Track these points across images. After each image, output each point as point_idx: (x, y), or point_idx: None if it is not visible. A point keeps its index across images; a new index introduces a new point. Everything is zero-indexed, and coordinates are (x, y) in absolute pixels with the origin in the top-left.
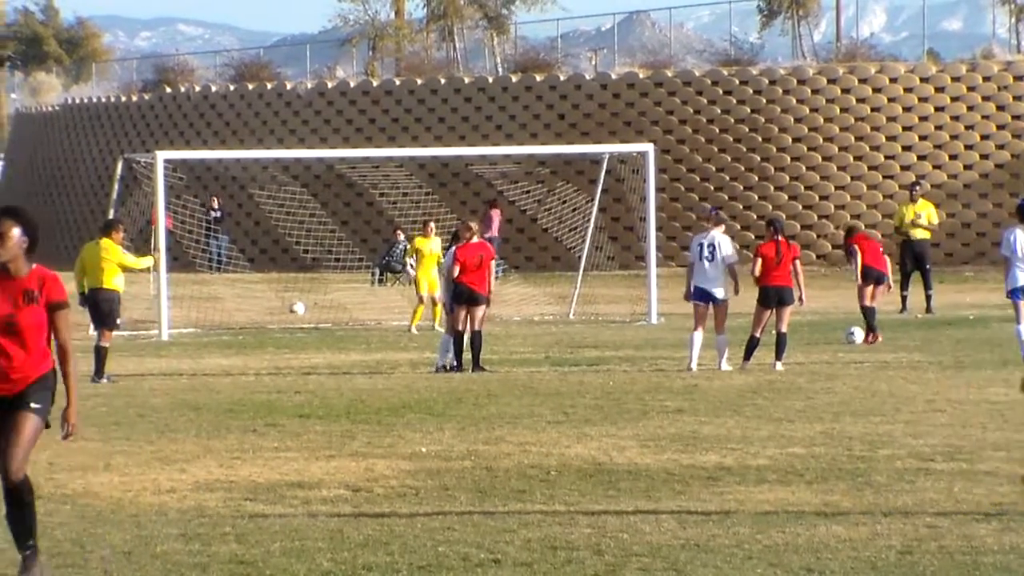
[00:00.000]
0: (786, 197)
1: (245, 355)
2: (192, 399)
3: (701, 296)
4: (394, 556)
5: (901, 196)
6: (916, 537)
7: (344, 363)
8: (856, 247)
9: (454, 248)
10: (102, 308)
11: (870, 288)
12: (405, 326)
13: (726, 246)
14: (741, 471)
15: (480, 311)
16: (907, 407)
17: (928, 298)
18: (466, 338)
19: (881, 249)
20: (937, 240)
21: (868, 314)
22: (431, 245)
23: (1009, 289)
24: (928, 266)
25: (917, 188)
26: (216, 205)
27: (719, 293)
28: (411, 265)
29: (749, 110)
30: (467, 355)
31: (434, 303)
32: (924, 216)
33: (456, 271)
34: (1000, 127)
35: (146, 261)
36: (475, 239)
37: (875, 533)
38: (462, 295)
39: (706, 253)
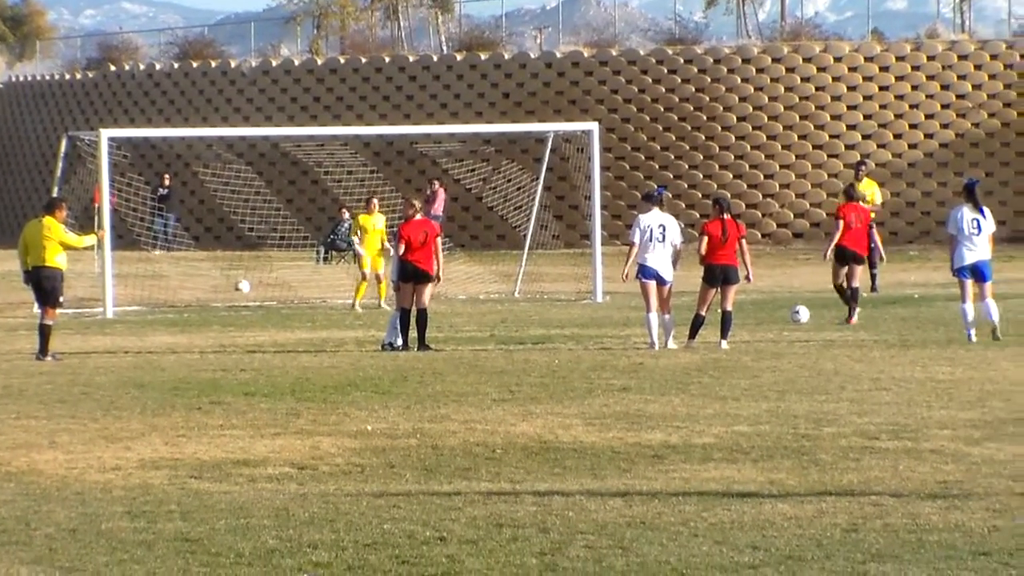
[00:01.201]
0: (731, 176)
1: (190, 333)
2: (137, 377)
3: (651, 276)
4: (339, 534)
5: (846, 175)
6: (861, 515)
7: (289, 341)
8: (841, 222)
9: (398, 225)
10: (45, 286)
11: (844, 269)
12: (350, 304)
13: (674, 228)
14: (687, 449)
15: (426, 289)
16: (852, 385)
17: (873, 277)
18: (412, 316)
19: (870, 222)
20: (881, 219)
21: (839, 292)
22: (374, 222)
23: (955, 268)
24: (873, 245)
25: (862, 168)
26: (166, 183)
27: (667, 274)
28: (357, 243)
29: (694, 89)
30: (413, 333)
31: (378, 280)
32: (867, 196)
33: (401, 248)
34: (944, 106)
35: (89, 239)
36: (418, 216)
37: (820, 511)
38: (407, 272)
39: (657, 234)
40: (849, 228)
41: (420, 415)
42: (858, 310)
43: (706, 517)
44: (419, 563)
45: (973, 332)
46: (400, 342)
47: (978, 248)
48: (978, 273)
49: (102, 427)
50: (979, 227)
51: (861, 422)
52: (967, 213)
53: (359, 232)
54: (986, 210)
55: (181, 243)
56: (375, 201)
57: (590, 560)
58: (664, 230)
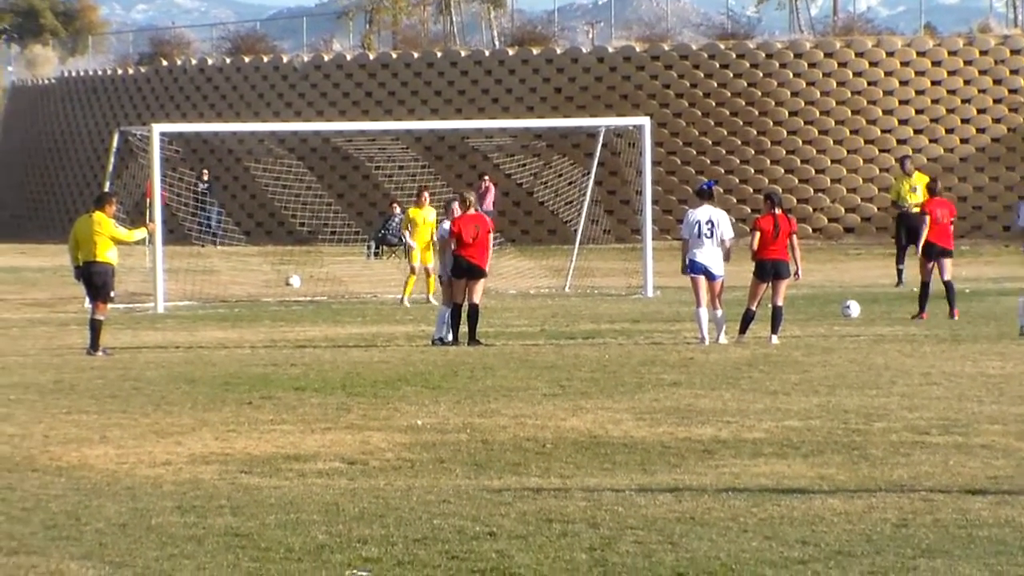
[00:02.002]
0: (782, 171)
1: (241, 328)
2: (188, 372)
3: (700, 271)
4: (389, 529)
5: (897, 170)
6: (911, 510)
7: (340, 336)
8: (927, 217)
9: (449, 220)
10: (96, 281)
11: (932, 264)
12: (399, 299)
13: (725, 223)
14: (737, 444)
15: (479, 284)
16: (903, 380)
17: (899, 272)
18: (463, 311)
19: (953, 218)
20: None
21: (924, 289)
22: (424, 215)
23: None
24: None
25: (908, 161)
26: (205, 177)
27: (717, 269)
28: (408, 236)
29: (746, 84)
30: (463, 328)
31: (427, 274)
32: (919, 189)
33: (453, 244)
34: (996, 101)
35: (139, 233)
36: (472, 211)
37: (871, 506)
38: (461, 268)
39: (705, 230)
40: (936, 223)
41: (470, 410)
42: (956, 311)
43: (756, 512)
44: (469, 558)
45: None
46: (451, 337)
47: None
48: None
49: (153, 422)
50: None
51: (911, 417)
52: None
53: (409, 225)
54: None
55: (229, 238)
56: (426, 194)
57: (639, 555)
58: (712, 225)
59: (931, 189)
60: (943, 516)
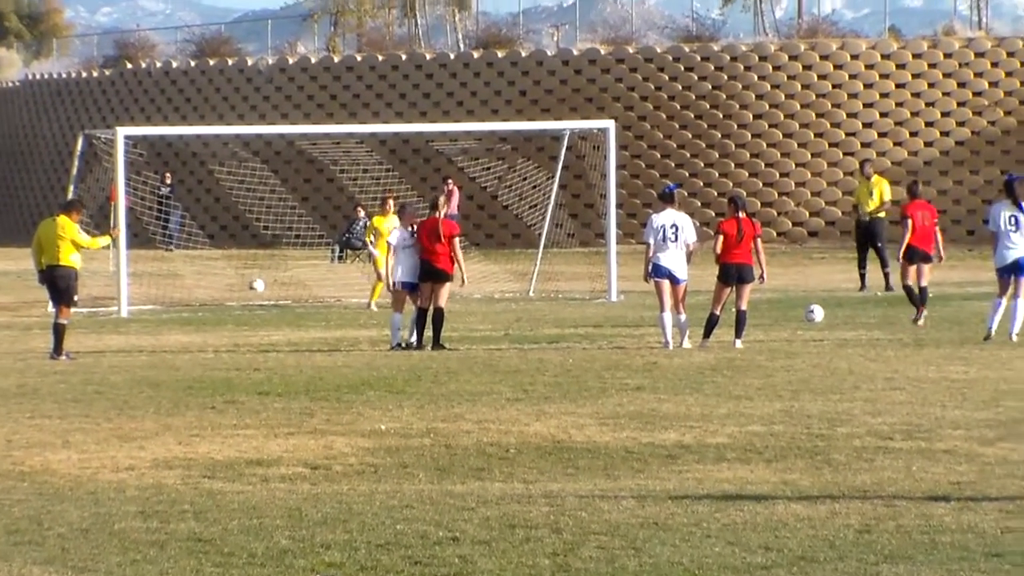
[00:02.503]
0: (747, 174)
1: (204, 332)
2: (151, 376)
3: (664, 275)
4: (352, 534)
5: (859, 173)
6: (875, 516)
7: (303, 340)
8: (909, 221)
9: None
10: (59, 285)
11: (913, 268)
12: (365, 303)
13: (688, 227)
14: (700, 449)
15: (443, 288)
16: (866, 385)
17: (886, 276)
18: (428, 314)
19: (935, 220)
20: (892, 216)
21: (908, 292)
22: (388, 223)
23: (997, 268)
24: (880, 244)
25: (868, 164)
26: (168, 180)
27: (681, 273)
28: (372, 245)
29: (710, 87)
30: (427, 332)
31: None
32: (875, 193)
33: (419, 248)
34: (961, 104)
35: (103, 240)
36: (440, 214)
37: (833, 512)
38: (424, 271)
39: (668, 234)
40: (916, 227)
41: (434, 415)
42: (924, 312)
43: (719, 518)
44: (432, 564)
45: (995, 325)
46: (415, 340)
47: (1018, 246)
48: (1018, 269)
49: (116, 426)
50: (1017, 224)
51: (875, 422)
52: (1005, 210)
53: (373, 234)
54: None
55: (191, 242)
56: (391, 202)
57: (603, 561)
58: (676, 229)
59: (912, 192)
60: (906, 522)
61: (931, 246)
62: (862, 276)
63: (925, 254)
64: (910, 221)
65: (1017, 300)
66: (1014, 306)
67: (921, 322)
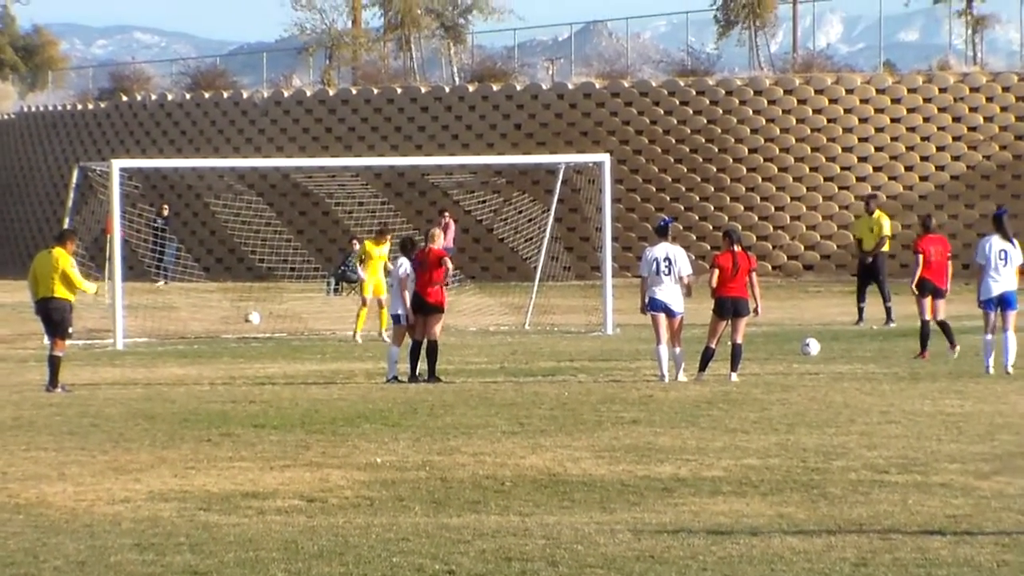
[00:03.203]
0: (742, 208)
1: (200, 364)
2: (147, 409)
3: (660, 308)
4: (348, 567)
5: (857, 207)
6: (871, 549)
7: (299, 373)
8: (920, 255)
9: (406, 258)
10: (54, 317)
11: (928, 300)
12: (350, 335)
13: (682, 259)
14: (696, 482)
15: (436, 321)
16: (862, 419)
17: (887, 310)
18: (423, 347)
19: (948, 255)
20: (893, 252)
21: (923, 328)
22: (380, 249)
23: (981, 299)
24: (882, 278)
25: (872, 200)
26: (165, 212)
27: (677, 306)
28: (361, 271)
29: (705, 120)
30: (423, 365)
31: (380, 306)
32: (875, 229)
33: (412, 280)
34: (956, 138)
35: (90, 286)
36: (436, 244)
37: (830, 545)
38: (416, 304)
39: (663, 267)
40: (929, 262)
41: (429, 447)
42: (956, 344)
43: (715, 551)
44: None
45: (991, 363)
46: (411, 373)
47: (1004, 279)
48: (1004, 303)
49: (111, 459)
50: (1007, 258)
51: (871, 456)
52: (995, 243)
53: (363, 257)
54: (1015, 240)
55: (187, 274)
56: (389, 236)
57: None
58: (670, 262)
59: (925, 226)
60: (902, 555)
61: (944, 280)
62: (860, 310)
63: (937, 288)
64: (921, 256)
65: (1007, 333)
66: (1005, 339)
67: (956, 351)
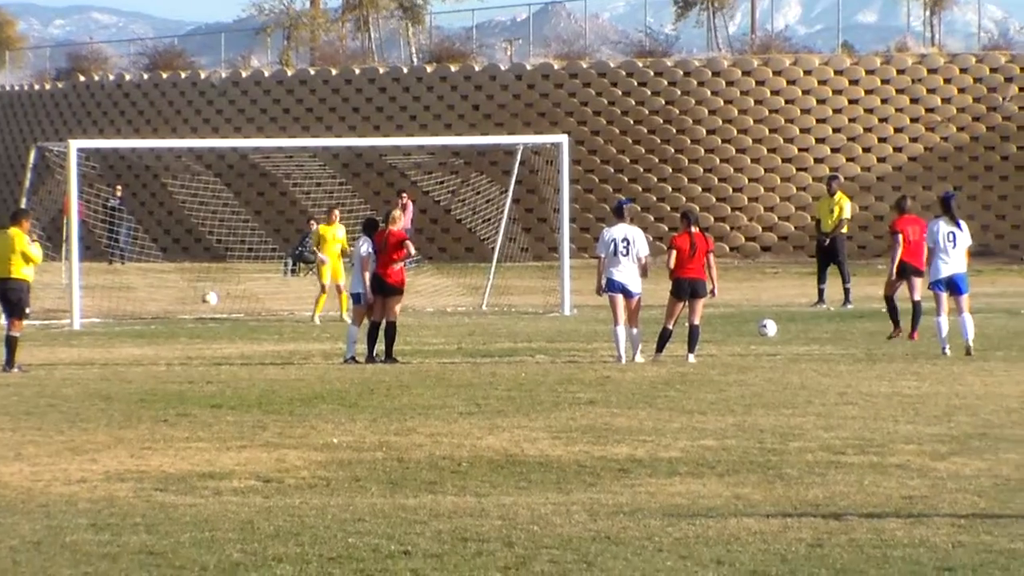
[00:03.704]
0: (700, 189)
1: (157, 345)
2: (103, 389)
3: (617, 289)
4: (304, 547)
5: (815, 188)
6: (826, 530)
7: (256, 353)
8: (899, 236)
9: (367, 238)
10: (11, 297)
11: (903, 283)
12: (309, 316)
13: (640, 240)
14: (652, 463)
15: (395, 302)
16: (819, 400)
17: (846, 291)
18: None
19: (924, 234)
20: (850, 233)
21: (889, 305)
22: (334, 231)
23: (930, 281)
24: (842, 259)
25: (834, 181)
26: (118, 192)
27: (634, 287)
28: (317, 251)
29: (664, 101)
30: (380, 345)
31: (339, 291)
32: (835, 210)
33: (373, 261)
34: (914, 120)
35: (38, 252)
36: (397, 226)
37: (786, 526)
38: (375, 285)
39: (620, 248)
40: (908, 241)
41: (386, 428)
42: (902, 325)
43: (671, 532)
44: None
45: (948, 346)
46: (368, 354)
47: (953, 261)
48: (953, 286)
49: (68, 439)
50: (955, 240)
51: (827, 436)
52: (943, 226)
53: (319, 243)
54: (963, 223)
55: (144, 254)
56: (336, 212)
57: (555, 575)
58: (628, 243)
59: (901, 207)
60: (858, 536)
61: (921, 260)
62: (820, 291)
63: (916, 269)
64: (900, 236)
65: (963, 315)
66: (961, 321)
67: (916, 336)
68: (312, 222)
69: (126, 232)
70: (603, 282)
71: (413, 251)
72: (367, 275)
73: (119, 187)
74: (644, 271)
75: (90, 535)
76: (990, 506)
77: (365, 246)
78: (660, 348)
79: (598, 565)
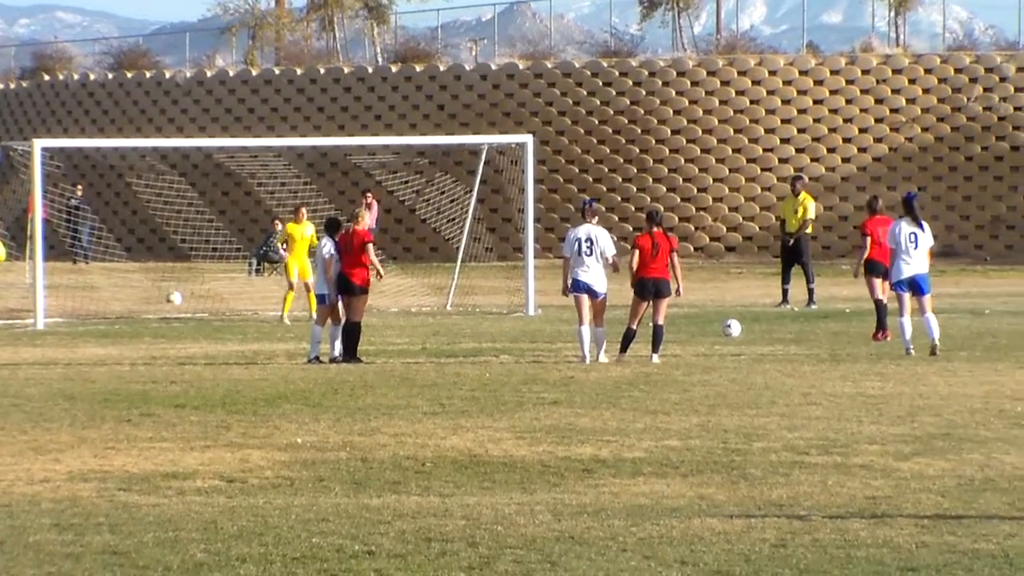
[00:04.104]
0: (664, 189)
1: (121, 345)
2: (67, 389)
3: (582, 289)
4: (268, 547)
5: (780, 189)
6: (790, 530)
7: (221, 353)
8: (869, 236)
9: (329, 238)
10: None
11: (879, 280)
12: (278, 316)
13: (605, 240)
14: (616, 463)
15: (359, 302)
16: (783, 400)
17: (810, 292)
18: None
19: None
20: (815, 233)
21: (879, 307)
22: (302, 230)
23: (892, 281)
24: (806, 259)
25: (797, 182)
26: (79, 191)
27: (599, 287)
28: (283, 249)
29: (628, 102)
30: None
31: (307, 289)
32: (800, 211)
33: (337, 261)
34: (878, 120)
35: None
36: (362, 226)
37: (749, 526)
38: (341, 285)
39: (584, 248)
40: (878, 242)
41: (350, 428)
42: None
43: (635, 532)
44: None
45: (912, 346)
46: (336, 354)
47: (915, 262)
48: (915, 287)
49: (31, 439)
50: (916, 241)
51: (791, 437)
52: (905, 227)
53: (286, 240)
54: (925, 224)
55: (107, 254)
56: (304, 210)
57: (518, 575)
58: (592, 243)
59: (872, 207)
60: (822, 536)
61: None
62: (784, 291)
63: (886, 268)
64: (869, 238)
65: (926, 315)
66: (926, 321)
67: (888, 336)
68: (277, 221)
69: (88, 231)
70: (568, 283)
71: (374, 259)
72: (331, 276)
73: (80, 186)
74: (615, 268)
75: (53, 535)
76: (954, 506)
77: (328, 246)
78: (624, 348)
79: (562, 565)
